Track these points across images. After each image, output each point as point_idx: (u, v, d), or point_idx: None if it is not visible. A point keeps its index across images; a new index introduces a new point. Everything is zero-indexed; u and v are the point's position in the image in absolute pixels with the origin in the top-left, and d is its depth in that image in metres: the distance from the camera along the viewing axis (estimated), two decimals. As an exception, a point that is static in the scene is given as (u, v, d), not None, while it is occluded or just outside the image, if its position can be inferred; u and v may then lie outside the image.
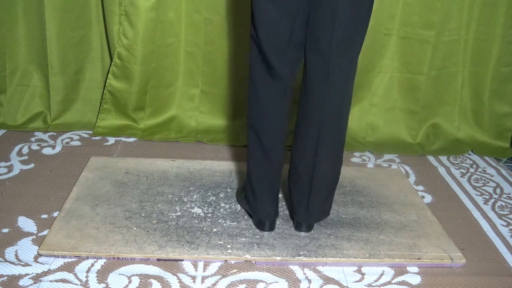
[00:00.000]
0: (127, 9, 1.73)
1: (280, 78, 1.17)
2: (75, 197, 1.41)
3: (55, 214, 1.35)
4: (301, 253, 1.23)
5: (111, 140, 1.85)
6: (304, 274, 1.19)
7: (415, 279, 1.20)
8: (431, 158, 1.89)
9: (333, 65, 1.13)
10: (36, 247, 1.20)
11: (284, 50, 1.14)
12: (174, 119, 1.96)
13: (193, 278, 1.15)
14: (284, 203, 1.45)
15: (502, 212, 1.53)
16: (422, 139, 2.00)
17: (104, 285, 1.11)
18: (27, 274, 1.12)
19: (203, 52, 1.89)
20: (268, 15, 1.10)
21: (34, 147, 1.74)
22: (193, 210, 1.39)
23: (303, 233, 1.31)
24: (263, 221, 1.30)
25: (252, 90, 1.22)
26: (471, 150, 1.97)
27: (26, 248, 1.20)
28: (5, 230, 1.27)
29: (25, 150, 1.71)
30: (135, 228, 1.29)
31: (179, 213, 1.37)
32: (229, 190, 1.51)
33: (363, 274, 1.21)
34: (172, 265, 1.19)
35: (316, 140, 1.20)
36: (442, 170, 1.80)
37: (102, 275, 1.13)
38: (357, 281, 1.18)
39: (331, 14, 1.08)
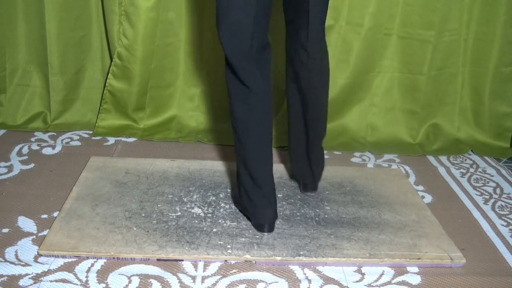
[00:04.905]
0: (127, 9, 1.73)
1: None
2: (75, 197, 1.41)
3: (55, 214, 1.35)
4: (301, 253, 1.23)
5: (111, 140, 1.85)
6: (304, 274, 1.19)
7: (415, 279, 1.20)
8: (431, 158, 1.89)
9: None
10: (36, 247, 1.20)
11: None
12: (174, 119, 1.96)
13: (193, 278, 1.15)
14: (283, 203, 1.45)
15: (502, 212, 1.53)
16: (422, 139, 1.99)
17: (104, 285, 1.11)
18: (27, 274, 1.12)
19: (203, 52, 1.89)
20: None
21: (34, 147, 1.74)
22: (193, 210, 1.39)
23: (309, 192, 1.48)
24: (262, 223, 1.30)
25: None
26: (471, 150, 1.97)
27: (26, 248, 1.20)
28: (5, 230, 1.27)
29: (25, 150, 1.71)
30: (135, 228, 1.29)
31: (179, 213, 1.37)
32: (229, 190, 1.51)
33: (363, 274, 1.21)
34: (172, 265, 1.19)
35: (317, 112, 1.35)
36: (442, 170, 1.80)
37: (102, 275, 1.13)
38: (357, 281, 1.18)
39: None
